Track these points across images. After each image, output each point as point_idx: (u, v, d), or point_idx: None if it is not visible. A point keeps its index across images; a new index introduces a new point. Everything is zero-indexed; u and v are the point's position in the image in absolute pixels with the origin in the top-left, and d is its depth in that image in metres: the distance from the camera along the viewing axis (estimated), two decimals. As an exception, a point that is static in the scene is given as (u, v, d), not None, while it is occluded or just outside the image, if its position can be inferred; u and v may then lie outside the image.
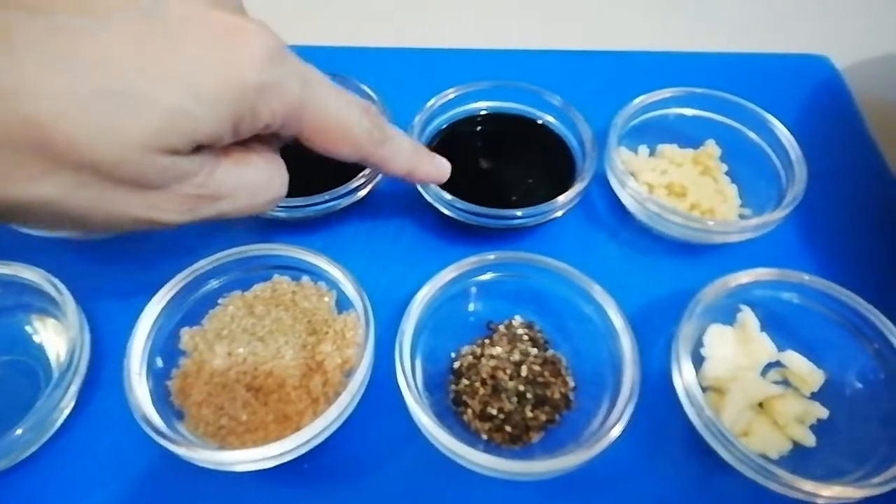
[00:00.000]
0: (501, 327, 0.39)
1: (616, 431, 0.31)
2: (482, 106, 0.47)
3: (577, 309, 0.37)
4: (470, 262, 0.37)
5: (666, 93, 0.45)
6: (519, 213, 0.39)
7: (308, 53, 0.53)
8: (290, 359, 0.35)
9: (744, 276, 0.36)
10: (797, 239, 0.44)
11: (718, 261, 0.42)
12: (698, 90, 0.45)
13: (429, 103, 0.44)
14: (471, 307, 0.40)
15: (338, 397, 0.32)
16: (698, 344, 0.37)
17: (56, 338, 0.37)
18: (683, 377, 0.33)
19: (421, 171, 0.35)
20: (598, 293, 0.36)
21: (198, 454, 0.29)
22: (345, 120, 0.27)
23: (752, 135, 0.45)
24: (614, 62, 0.55)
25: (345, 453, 0.34)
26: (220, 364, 0.34)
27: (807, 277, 0.36)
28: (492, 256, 0.37)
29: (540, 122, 0.46)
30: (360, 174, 0.41)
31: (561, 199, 0.40)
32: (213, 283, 0.37)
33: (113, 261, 0.42)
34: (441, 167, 0.36)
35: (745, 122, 0.45)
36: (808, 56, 0.57)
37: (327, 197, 0.40)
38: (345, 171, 0.41)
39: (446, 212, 0.41)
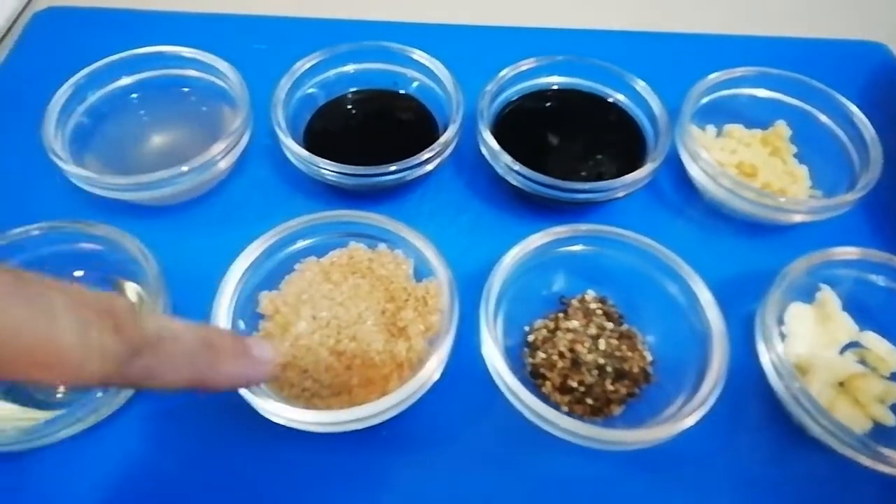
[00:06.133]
0: (574, 302, 0.38)
1: (707, 406, 0.31)
2: (554, 81, 0.46)
3: (655, 284, 0.37)
4: (558, 231, 0.36)
5: (738, 72, 0.45)
6: (587, 186, 0.39)
7: (389, 29, 0.53)
8: (372, 324, 0.35)
9: (826, 255, 0.36)
10: (867, 222, 0.44)
11: (787, 243, 0.42)
12: (773, 71, 0.45)
13: (501, 73, 0.44)
14: (543, 281, 0.39)
15: (421, 363, 0.32)
16: (778, 322, 0.36)
17: (138, 301, 0.37)
18: (774, 349, 0.33)
19: (218, 377, 0.22)
20: (684, 269, 0.35)
21: (284, 412, 0.29)
22: (45, 339, 0.17)
23: (822, 117, 0.45)
24: (681, 44, 0.55)
25: (422, 420, 0.34)
26: (305, 327, 0.34)
27: (892, 258, 0.36)
28: (584, 228, 0.36)
29: (611, 100, 0.46)
30: (429, 147, 0.40)
31: (633, 176, 0.39)
32: (290, 249, 0.37)
33: (185, 225, 0.42)
34: (259, 358, 0.24)
35: (815, 105, 0.45)
36: (866, 43, 0.57)
37: (395, 168, 0.40)
38: (414, 143, 0.41)
39: (516, 183, 0.40)
